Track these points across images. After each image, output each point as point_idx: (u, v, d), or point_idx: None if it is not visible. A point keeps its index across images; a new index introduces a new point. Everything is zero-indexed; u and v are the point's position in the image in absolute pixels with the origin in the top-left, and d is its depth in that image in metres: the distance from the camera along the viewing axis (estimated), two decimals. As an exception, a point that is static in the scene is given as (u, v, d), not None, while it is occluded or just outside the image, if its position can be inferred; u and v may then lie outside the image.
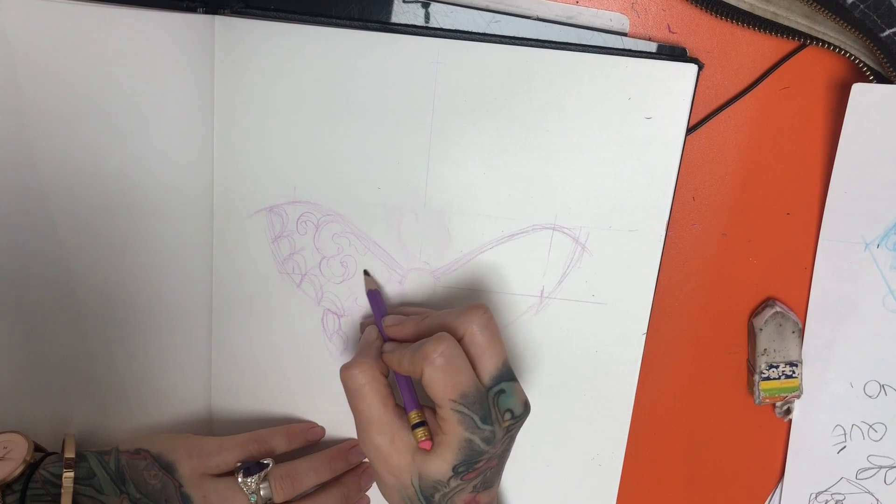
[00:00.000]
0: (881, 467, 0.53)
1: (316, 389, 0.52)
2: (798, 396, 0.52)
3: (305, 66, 0.46)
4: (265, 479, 0.46)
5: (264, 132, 0.47)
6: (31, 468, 0.42)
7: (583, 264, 0.48)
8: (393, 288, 0.50)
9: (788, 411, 0.52)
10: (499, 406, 0.41)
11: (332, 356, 0.51)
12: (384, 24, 0.46)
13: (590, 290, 0.49)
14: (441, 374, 0.40)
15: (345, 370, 0.43)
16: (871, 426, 0.52)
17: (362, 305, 0.50)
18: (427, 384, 0.40)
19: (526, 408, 0.42)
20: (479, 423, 0.40)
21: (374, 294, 0.48)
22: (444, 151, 0.47)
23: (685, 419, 0.54)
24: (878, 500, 0.53)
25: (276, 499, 0.46)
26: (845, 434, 0.52)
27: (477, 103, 0.46)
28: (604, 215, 0.48)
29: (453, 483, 0.41)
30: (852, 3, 0.43)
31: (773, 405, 0.53)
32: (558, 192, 0.47)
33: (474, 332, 0.41)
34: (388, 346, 0.45)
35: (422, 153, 0.47)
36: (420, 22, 0.46)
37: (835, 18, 0.43)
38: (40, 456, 0.44)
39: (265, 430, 0.50)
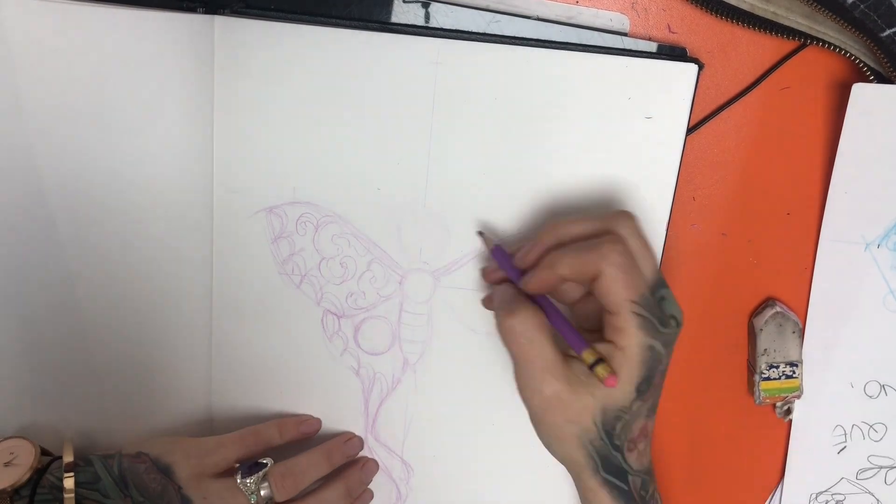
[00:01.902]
0: (881, 467, 0.53)
1: (316, 390, 0.52)
2: (798, 396, 0.52)
3: (305, 66, 0.46)
4: (264, 478, 0.46)
5: (264, 132, 0.47)
6: (39, 474, 0.42)
7: (583, 264, 0.48)
8: (392, 288, 0.49)
9: (789, 411, 0.52)
10: (664, 312, 0.39)
11: (332, 357, 0.51)
12: (384, 24, 0.46)
13: (590, 291, 0.49)
14: (623, 273, 0.38)
15: (509, 317, 0.40)
16: (871, 426, 0.52)
17: (362, 307, 0.50)
18: (606, 286, 0.38)
19: (682, 315, 0.40)
20: (659, 326, 0.39)
21: (498, 250, 0.45)
22: (444, 151, 0.47)
23: (685, 419, 0.53)
24: (878, 500, 0.53)
25: (277, 498, 0.46)
26: (845, 434, 0.52)
27: (477, 103, 0.46)
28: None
29: (634, 407, 0.39)
30: (852, 2, 0.43)
31: (774, 405, 0.53)
32: (558, 192, 0.47)
33: (627, 237, 0.40)
34: (528, 274, 0.42)
35: (422, 153, 0.47)
36: (420, 22, 0.46)
37: (835, 18, 0.43)
38: (47, 461, 0.44)
39: (260, 425, 0.50)
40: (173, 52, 0.44)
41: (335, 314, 0.50)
